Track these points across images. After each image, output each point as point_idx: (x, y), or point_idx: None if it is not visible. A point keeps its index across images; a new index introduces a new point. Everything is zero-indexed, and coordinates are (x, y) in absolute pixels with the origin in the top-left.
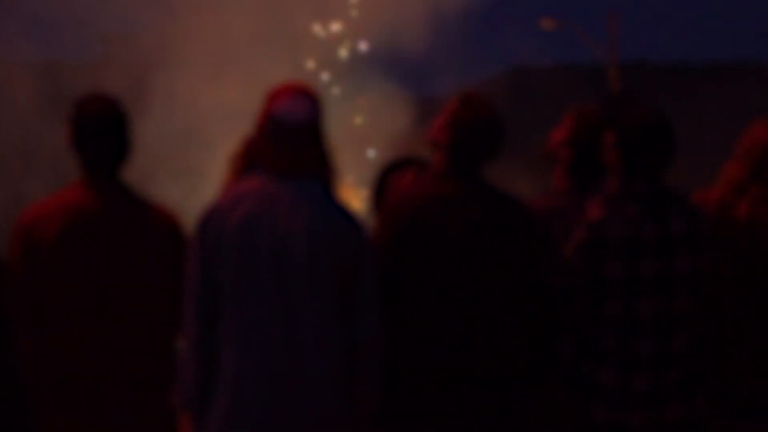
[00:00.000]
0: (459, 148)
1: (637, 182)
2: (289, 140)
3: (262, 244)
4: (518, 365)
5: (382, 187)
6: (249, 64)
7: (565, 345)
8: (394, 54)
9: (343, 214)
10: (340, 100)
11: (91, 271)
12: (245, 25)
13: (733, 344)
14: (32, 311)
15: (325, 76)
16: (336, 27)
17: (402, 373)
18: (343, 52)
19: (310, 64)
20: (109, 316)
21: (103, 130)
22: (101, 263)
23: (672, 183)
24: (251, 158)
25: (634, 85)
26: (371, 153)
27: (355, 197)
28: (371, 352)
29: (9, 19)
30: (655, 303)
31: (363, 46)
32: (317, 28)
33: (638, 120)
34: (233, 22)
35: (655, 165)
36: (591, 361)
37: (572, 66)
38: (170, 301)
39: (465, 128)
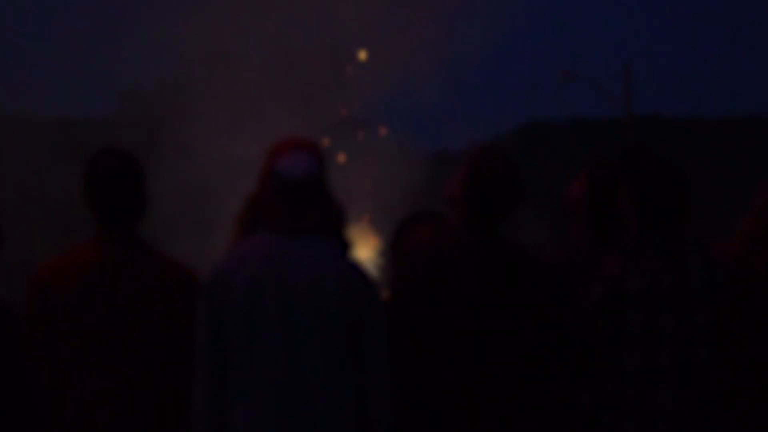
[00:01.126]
0: (477, 204)
1: (653, 235)
2: (292, 196)
3: (269, 301)
4: (537, 420)
5: (399, 241)
6: (263, 117)
7: (584, 398)
8: (410, 106)
9: (350, 267)
10: (357, 153)
11: (106, 326)
12: (259, 79)
13: (753, 397)
14: (48, 365)
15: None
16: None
17: (414, 427)
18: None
19: (324, 115)
20: (125, 370)
21: (119, 187)
22: (117, 318)
23: (688, 236)
24: (256, 216)
25: (649, 138)
26: (386, 204)
27: (368, 244)
28: (382, 404)
29: (24, 75)
30: (675, 355)
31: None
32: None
33: (654, 173)
34: (247, 76)
35: (671, 218)
36: (611, 414)
37: (587, 120)
38: (185, 356)
39: (483, 184)
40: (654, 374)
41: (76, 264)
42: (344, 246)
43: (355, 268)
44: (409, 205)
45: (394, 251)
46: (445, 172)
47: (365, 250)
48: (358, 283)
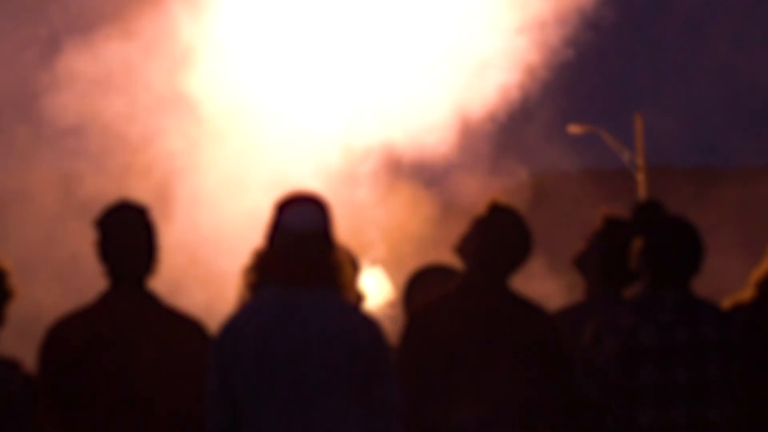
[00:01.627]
0: (487, 258)
1: (666, 289)
2: (298, 248)
3: (279, 355)
4: None
5: (410, 294)
6: (274, 168)
7: None
8: (419, 157)
9: (360, 320)
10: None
11: (118, 380)
12: (271, 129)
13: None
14: (59, 420)
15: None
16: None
17: None
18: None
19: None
20: (134, 423)
21: (131, 242)
22: (129, 373)
23: (699, 285)
24: (263, 270)
25: (661, 188)
26: (398, 253)
27: (380, 292)
28: None
29: (32, 127)
30: (689, 410)
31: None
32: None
33: (666, 229)
34: (258, 126)
35: (684, 272)
36: None
37: (598, 170)
38: (196, 408)
39: (493, 240)
40: (668, 428)
41: (89, 320)
42: (356, 297)
43: (365, 321)
44: (421, 254)
45: (405, 304)
46: (456, 222)
47: (377, 297)
48: (368, 336)
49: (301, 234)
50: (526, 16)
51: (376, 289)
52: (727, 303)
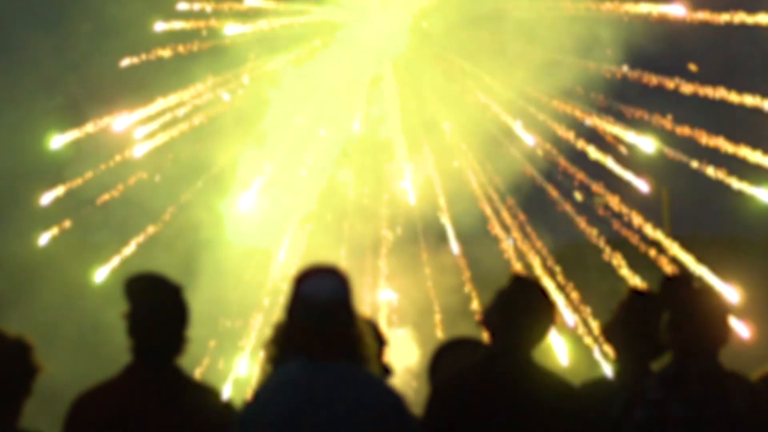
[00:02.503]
0: (510, 333)
1: (695, 361)
2: (319, 320)
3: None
4: None
5: (435, 367)
6: (299, 240)
7: None
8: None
9: (383, 393)
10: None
11: None
12: (295, 204)
13: None
14: None
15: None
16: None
17: None
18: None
19: (363, 242)
20: None
21: (163, 325)
22: None
23: (729, 357)
24: (285, 344)
25: (687, 257)
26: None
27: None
28: None
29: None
30: None
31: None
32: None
33: (693, 301)
34: (283, 200)
35: (711, 345)
36: None
37: (626, 241)
38: None
39: (516, 311)
40: None
41: (114, 395)
42: (382, 370)
43: (390, 395)
44: (447, 323)
45: (430, 377)
46: (483, 293)
47: (403, 362)
48: (393, 411)
49: (321, 305)
50: (554, 85)
51: (403, 352)
52: (756, 374)
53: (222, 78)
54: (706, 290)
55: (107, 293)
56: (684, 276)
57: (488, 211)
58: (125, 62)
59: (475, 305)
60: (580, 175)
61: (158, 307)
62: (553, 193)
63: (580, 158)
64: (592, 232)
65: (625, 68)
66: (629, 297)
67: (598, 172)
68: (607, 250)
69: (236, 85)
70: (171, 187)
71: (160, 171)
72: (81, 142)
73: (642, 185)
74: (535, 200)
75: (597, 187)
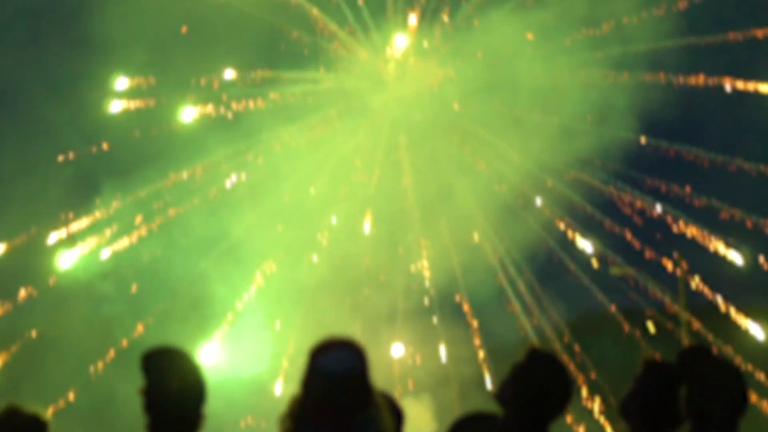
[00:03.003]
0: (526, 408)
1: None
2: (334, 393)
3: None
4: None
5: None
6: (313, 311)
7: None
8: (468, 299)
9: None
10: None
11: None
12: (309, 276)
13: None
14: None
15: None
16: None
17: None
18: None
19: (380, 312)
20: None
21: (181, 404)
22: None
23: (746, 426)
24: (300, 418)
25: (704, 327)
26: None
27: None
28: None
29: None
30: None
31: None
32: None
33: (711, 373)
34: (296, 272)
35: (730, 416)
36: None
37: (641, 310)
38: None
39: (531, 386)
40: None
41: None
42: None
43: None
44: (464, 397)
45: None
46: (498, 365)
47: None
48: None
49: (336, 378)
50: (569, 153)
51: (420, 424)
52: None
53: (235, 149)
54: (724, 361)
55: (120, 366)
56: (701, 347)
57: (503, 281)
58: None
59: (489, 377)
60: (596, 245)
61: (176, 384)
62: (570, 263)
63: (596, 227)
64: (608, 303)
65: (641, 137)
66: (645, 368)
67: (615, 242)
68: (623, 321)
69: (250, 157)
70: (185, 260)
71: (175, 243)
72: (95, 213)
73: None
74: (550, 270)
75: (613, 258)
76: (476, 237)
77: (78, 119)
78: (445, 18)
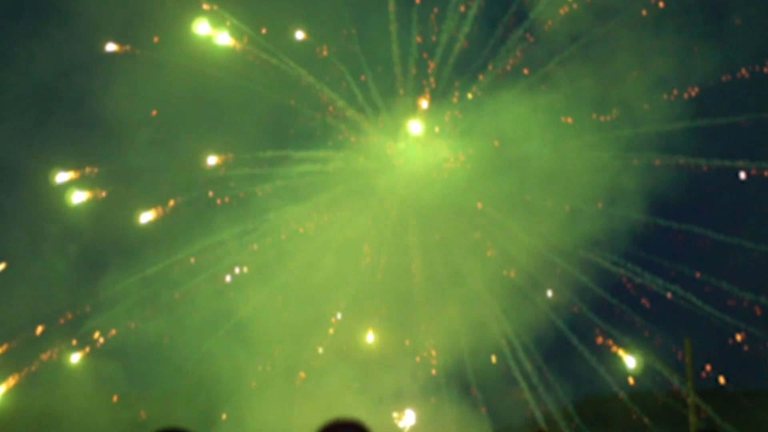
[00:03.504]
0: None
1: None
2: None
3: None
4: None
5: None
6: (319, 389)
7: None
8: (474, 381)
9: None
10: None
11: None
12: (317, 351)
13: None
14: None
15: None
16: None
17: None
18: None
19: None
20: None
21: None
22: None
23: None
24: None
25: (712, 411)
26: None
27: None
28: None
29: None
30: None
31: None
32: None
33: None
34: (305, 348)
35: None
36: None
37: (648, 394)
38: None
39: None
40: None
41: None
42: None
43: None
44: None
45: None
46: None
47: None
48: None
49: None
50: (578, 234)
51: None
52: None
53: (242, 229)
54: None
55: None
56: (711, 428)
57: (511, 362)
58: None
59: None
60: (604, 326)
61: None
62: (577, 344)
63: (604, 308)
64: (615, 385)
65: (649, 217)
66: None
67: (623, 323)
68: (630, 403)
69: (257, 236)
70: (192, 339)
71: (180, 322)
72: (101, 292)
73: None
74: (557, 351)
75: (621, 339)
76: (484, 316)
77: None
78: (454, 100)
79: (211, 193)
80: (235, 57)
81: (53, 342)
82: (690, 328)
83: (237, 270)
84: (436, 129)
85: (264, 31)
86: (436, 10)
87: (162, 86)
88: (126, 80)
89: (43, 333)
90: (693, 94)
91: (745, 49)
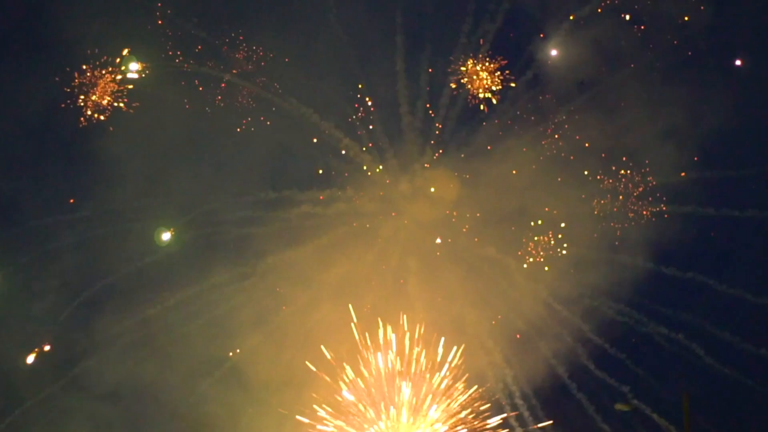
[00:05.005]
0: None
1: None
2: None
3: None
4: None
5: None
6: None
7: None
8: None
9: None
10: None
11: None
12: (312, 395)
13: None
14: None
15: None
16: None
17: None
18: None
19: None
20: None
21: None
22: None
23: None
24: None
25: None
26: None
27: None
28: None
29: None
30: None
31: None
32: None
33: None
34: (299, 391)
35: None
36: None
37: None
38: None
39: None
40: None
41: None
42: None
43: None
44: None
45: None
46: None
47: None
48: None
49: None
50: (581, 282)
51: None
52: None
53: (240, 272)
54: None
55: None
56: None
57: (506, 409)
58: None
59: None
60: (605, 376)
61: None
62: (580, 396)
63: (607, 359)
64: None
65: (651, 265)
66: None
67: (625, 375)
68: None
69: (255, 280)
70: (187, 381)
71: (175, 365)
72: (97, 334)
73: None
74: (559, 401)
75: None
76: (487, 366)
77: (82, 243)
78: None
79: (206, 234)
80: (234, 95)
81: (45, 379)
82: (688, 382)
83: (231, 306)
84: (434, 188)
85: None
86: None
87: (158, 125)
88: (119, 125)
89: (35, 371)
90: (701, 144)
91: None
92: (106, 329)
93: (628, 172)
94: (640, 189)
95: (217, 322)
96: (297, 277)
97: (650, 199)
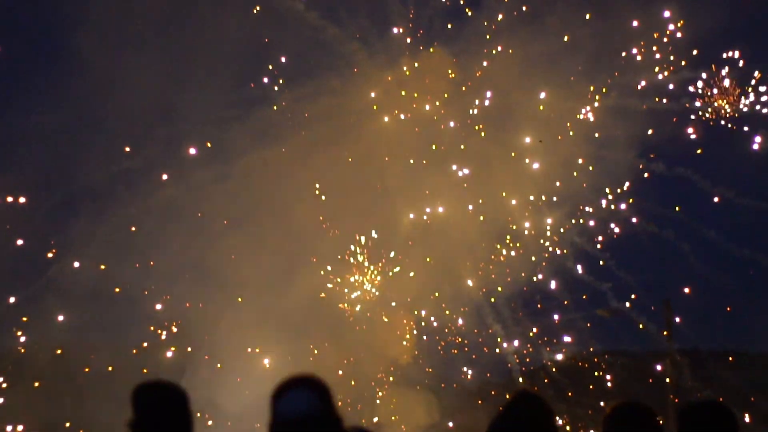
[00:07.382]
0: None
1: None
2: None
3: None
4: None
5: None
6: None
7: None
8: (455, 343)
9: None
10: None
11: None
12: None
13: None
14: None
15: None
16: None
17: None
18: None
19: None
20: None
21: (161, 423)
22: None
23: None
24: None
25: (689, 370)
26: None
27: None
28: None
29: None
30: None
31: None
32: None
33: (702, 414)
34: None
35: None
36: None
37: (627, 352)
38: None
39: (517, 423)
40: None
41: None
42: None
43: None
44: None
45: None
46: (488, 406)
47: None
48: None
49: (293, 422)
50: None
51: None
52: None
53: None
54: (715, 403)
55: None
56: (701, 405)
57: (491, 320)
58: None
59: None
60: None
61: (163, 417)
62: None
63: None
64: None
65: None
66: (610, 412)
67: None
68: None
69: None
70: (162, 284)
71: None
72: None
73: None
74: (536, 308)
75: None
76: (462, 272)
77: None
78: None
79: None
80: None
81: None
82: (671, 289)
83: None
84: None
85: None
86: None
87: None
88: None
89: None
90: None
91: None
92: (82, 230)
93: None
94: None
95: (196, 223)
96: (277, 178)
97: None
